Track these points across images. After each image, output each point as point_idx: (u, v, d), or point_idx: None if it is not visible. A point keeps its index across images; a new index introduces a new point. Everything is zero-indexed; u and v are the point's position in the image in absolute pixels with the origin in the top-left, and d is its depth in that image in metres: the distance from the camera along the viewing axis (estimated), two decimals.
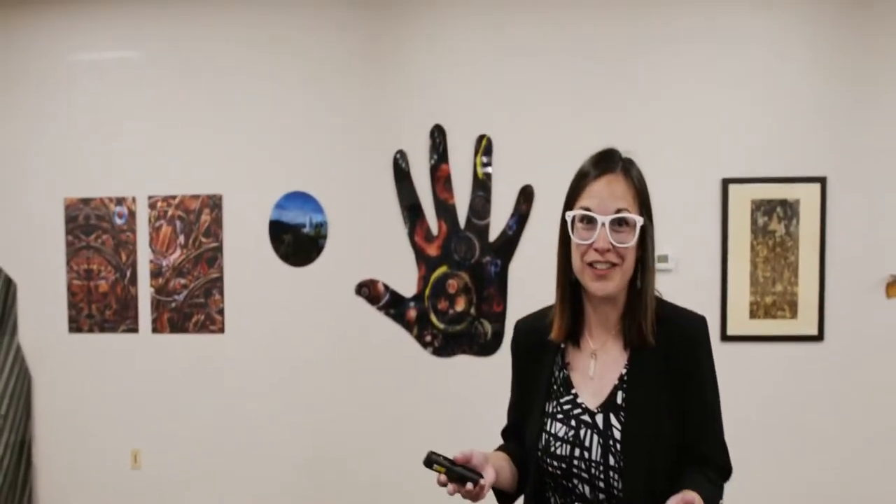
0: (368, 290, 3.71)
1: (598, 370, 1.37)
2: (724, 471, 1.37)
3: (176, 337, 3.87)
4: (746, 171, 3.47)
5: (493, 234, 3.62)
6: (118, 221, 3.91)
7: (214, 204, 3.82)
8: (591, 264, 1.32)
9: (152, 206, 3.88)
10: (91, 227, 3.93)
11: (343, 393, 3.76)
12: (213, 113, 3.82)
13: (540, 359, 1.43)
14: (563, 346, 1.42)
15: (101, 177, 3.92)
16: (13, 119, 4.00)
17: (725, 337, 3.46)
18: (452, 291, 3.64)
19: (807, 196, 3.44)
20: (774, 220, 3.47)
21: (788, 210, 3.46)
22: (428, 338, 3.67)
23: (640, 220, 1.32)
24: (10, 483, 3.93)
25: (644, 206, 1.35)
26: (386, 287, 3.70)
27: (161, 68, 3.87)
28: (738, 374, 3.45)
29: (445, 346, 3.65)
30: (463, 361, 3.66)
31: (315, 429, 3.79)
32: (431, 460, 1.23)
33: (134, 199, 3.90)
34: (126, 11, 3.88)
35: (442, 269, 3.64)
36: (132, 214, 3.90)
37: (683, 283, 3.46)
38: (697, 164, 3.49)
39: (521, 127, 3.59)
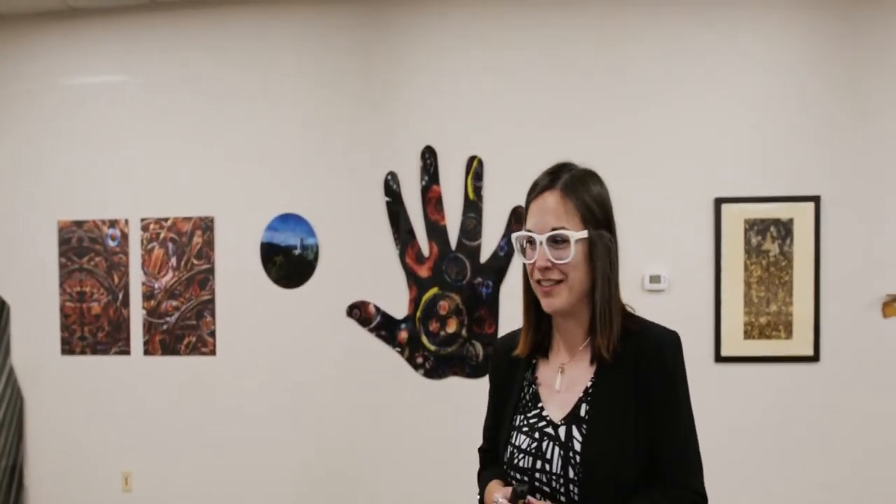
0: (360, 312, 3.69)
1: (564, 384, 1.37)
2: (693, 495, 1.31)
3: (168, 359, 3.86)
4: (739, 190, 3.45)
5: (485, 256, 3.60)
6: (111, 244, 3.92)
7: (206, 226, 3.83)
8: (539, 282, 1.34)
9: (145, 228, 3.88)
10: (84, 250, 3.94)
11: (334, 415, 3.73)
12: (205, 135, 3.84)
13: (513, 375, 1.45)
14: (534, 362, 1.43)
15: (94, 199, 3.94)
16: (7, 142, 4.03)
17: (719, 358, 3.42)
18: (444, 313, 3.61)
19: (801, 215, 3.41)
20: (768, 240, 3.44)
21: (782, 229, 3.43)
22: (419, 359, 3.64)
23: (574, 235, 1.30)
24: None
25: (591, 220, 1.32)
26: (377, 309, 3.68)
27: (153, 92, 3.89)
28: (732, 396, 3.41)
29: (437, 367, 3.63)
30: (454, 383, 3.62)
31: (306, 450, 3.76)
32: (524, 493, 1.27)
33: (127, 222, 3.91)
34: (117, 36, 3.91)
35: (433, 291, 3.62)
36: (125, 237, 3.90)
37: (676, 303, 3.43)
38: (689, 183, 3.47)
39: (512, 148, 3.58)
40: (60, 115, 3.97)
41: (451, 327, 3.61)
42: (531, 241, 1.33)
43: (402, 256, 3.65)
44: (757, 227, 3.43)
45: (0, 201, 4.03)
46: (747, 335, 3.44)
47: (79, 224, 3.95)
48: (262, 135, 3.78)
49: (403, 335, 3.65)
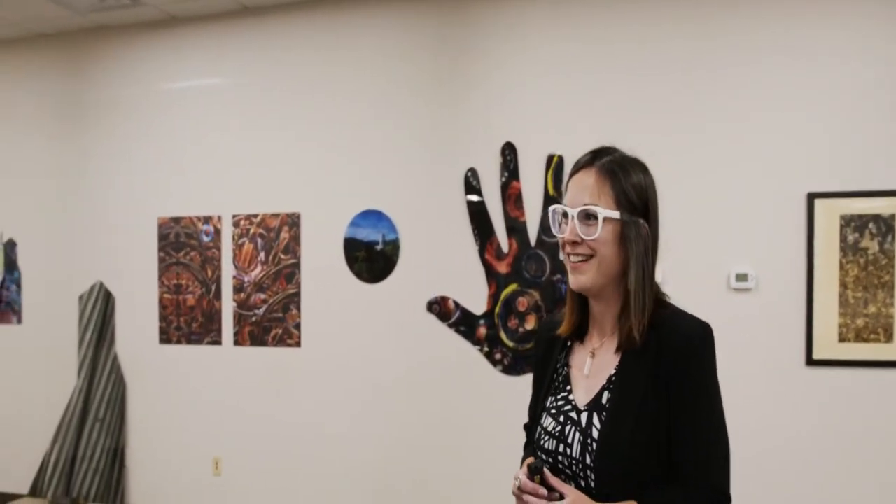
0: (439, 307, 3.74)
1: (593, 369, 1.37)
2: (714, 494, 1.25)
3: (256, 349, 4.03)
4: (834, 184, 3.28)
5: None
6: (205, 239, 4.12)
7: (293, 222, 3.97)
8: (569, 256, 1.35)
9: (236, 224, 4.07)
10: (180, 245, 4.16)
11: (414, 408, 3.80)
12: (292, 135, 3.98)
13: (550, 356, 1.47)
14: (569, 344, 1.44)
15: (190, 197, 4.16)
16: (110, 145, 4.31)
17: (811, 361, 3.27)
18: (522, 309, 3.61)
19: None
20: (867, 237, 3.26)
21: (883, 225, 3.24)
22: (498, 356, 3.66)
23: (603, 213, 1.29)
24: (105, 485, 4.19)
25: (626, 204, 1.31)
26: (456, 304, 3.72)
27: (243, 94, 4.07)
28: (824, 402, 3.26)
29: (515, 364, 3.63)
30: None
31: (386, 440, 3.84)
32: (539, 469, 1.27)
33: (219, 218, 4.10)
34: (211, 41, 4.12)
35: (512, 287, 3.63)
36: (217, 232, 4.10)
37: (765, 303, 3.31)
38: (780, 177, 3.33)
39: (592, 145, 3.53)
40: (159, 118, 4.21)
41: (530, 324, 3.61)
42: (566, 216, 1.34)
43: (481, 252, 3.67)
44: (854, 224, 3.26)
45: (106, 200, 4.32)
46: (842, 338, 3.27)
47: (176, 220, 4.17)
48: (346, 134, 3.89)
49: (482, 331, 3.68)
